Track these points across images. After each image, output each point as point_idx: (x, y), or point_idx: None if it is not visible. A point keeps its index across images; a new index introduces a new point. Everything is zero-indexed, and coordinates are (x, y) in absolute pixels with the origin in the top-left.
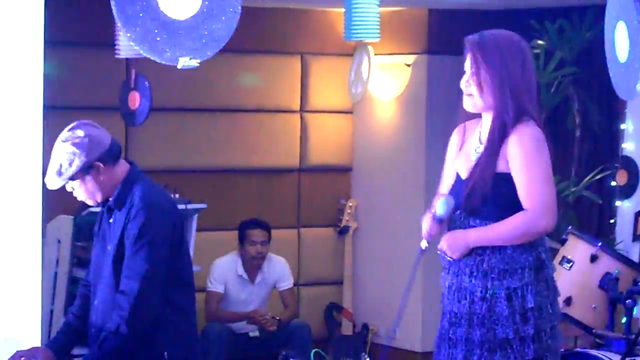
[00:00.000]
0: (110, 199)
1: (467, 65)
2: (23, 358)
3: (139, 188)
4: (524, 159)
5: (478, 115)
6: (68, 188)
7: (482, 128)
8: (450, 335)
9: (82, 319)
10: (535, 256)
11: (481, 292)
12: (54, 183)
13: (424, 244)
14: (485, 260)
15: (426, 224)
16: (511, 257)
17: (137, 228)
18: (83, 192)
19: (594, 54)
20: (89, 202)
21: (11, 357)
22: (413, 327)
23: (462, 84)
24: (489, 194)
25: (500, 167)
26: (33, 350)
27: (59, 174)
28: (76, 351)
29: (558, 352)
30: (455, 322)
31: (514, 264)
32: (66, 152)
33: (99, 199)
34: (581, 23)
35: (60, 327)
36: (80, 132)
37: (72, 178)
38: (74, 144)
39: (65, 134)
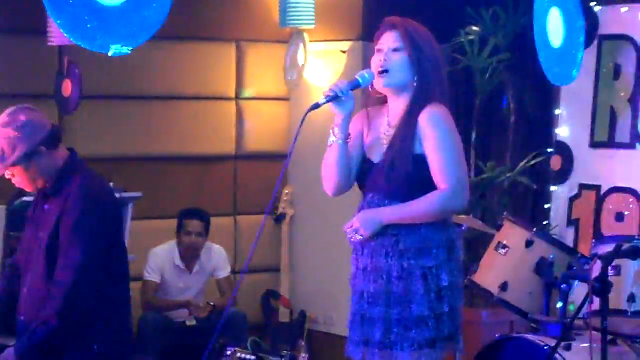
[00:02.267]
0: (48, 184)
1: (387, 42)
2: None
3: (78, 177)
4: (439, 139)
5: (382, 101)
6: (6, 174)
7: (390, 112)
8: (368, 314)
9: (5, 303)
10: (447, 235)
11: (397, 271)
12: None
13: (321, 100)
14: (401, 240)
15: (340, 82)
16: (425, 236)
17: (74, 219)
18: (24, 178)
19: (528, 39)
20: (28, 189)
21: None
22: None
23: (377, 61)
24: (410, 174)
25: (415, 149)
26: None
27: (1, 160)
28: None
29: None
30: (372, 301)
31: (429, 243)
32: (8, 137)
33: (39, 184)
34: (515, 9)
35: None
36: (21, 117)
37: (14, 164)
38: (16, 129)
39: (4, 118)
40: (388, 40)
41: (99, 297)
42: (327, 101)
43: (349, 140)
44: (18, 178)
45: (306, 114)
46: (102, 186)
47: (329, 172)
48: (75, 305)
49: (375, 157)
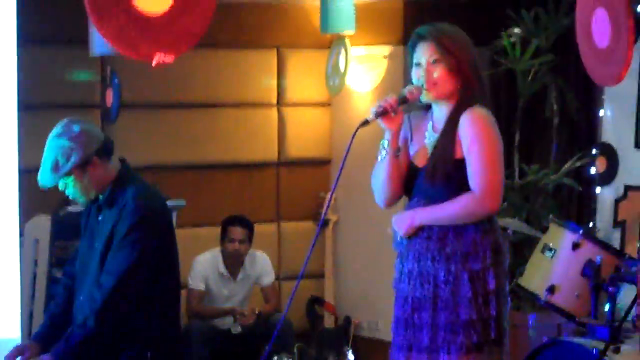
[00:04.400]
0: (101, 196)
1: (424, 54)
2: (19, 358)
3: (132, 188)
4: (475, 141)
5: (425, 107)
6: (61, 185)
7: (435, 118)
8: (415, 320)
9: (66, 310)
10: (494, 239)
11: (444, 275)
12: (48, 180)
13: (370, 116)
14: (448, 244)
15: (388, 97)
16: (473, 240)
17: (126, 227)
18: (78, 189)
19: (570, 41)
20: (81, 200)
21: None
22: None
23: (419, 75)
24: (452, 177)
25: (457, 153)
26: (19, 348)
27: (55, 170)
28: None
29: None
30: (419, 306)
31: (476, 247)
32: (62, 147)
33: (92, 196)
34: (557, 10)
35: (44, 320)
36: (75, 127)
37: (69, 174)
38: (70, 139)
39: (58, 129)
40: (424, 52)
41: (152, 304)
42: (376, 117)
43: (399, 153)
44: (72, 189)
45: (356, 130)
46: (156, 197)
47: (382, 186)
48: (115, 310)
49: (420, 162)
